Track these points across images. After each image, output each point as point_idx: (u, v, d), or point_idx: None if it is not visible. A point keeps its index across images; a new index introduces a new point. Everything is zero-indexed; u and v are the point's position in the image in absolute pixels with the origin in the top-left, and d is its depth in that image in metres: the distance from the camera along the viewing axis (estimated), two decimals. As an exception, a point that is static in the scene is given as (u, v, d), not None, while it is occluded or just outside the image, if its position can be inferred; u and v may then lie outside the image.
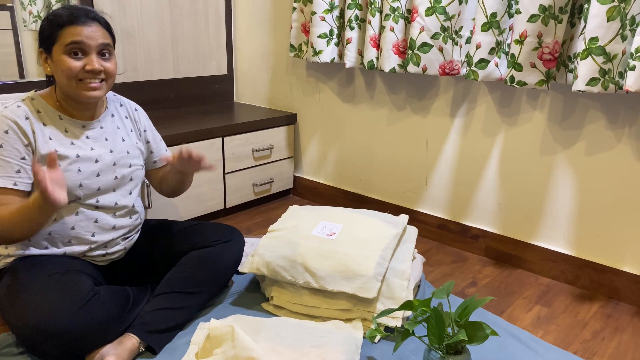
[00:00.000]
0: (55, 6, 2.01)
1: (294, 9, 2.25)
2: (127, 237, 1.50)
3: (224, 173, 2.26)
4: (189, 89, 2.56)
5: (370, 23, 1.99)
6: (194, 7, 2.48)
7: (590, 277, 1.78)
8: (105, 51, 1.32)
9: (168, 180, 1.60)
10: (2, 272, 1.34)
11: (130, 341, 1.29)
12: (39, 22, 1.99)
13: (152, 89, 2.40)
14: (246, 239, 2.00)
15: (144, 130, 1.57)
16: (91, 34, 1.28)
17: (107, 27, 1.35)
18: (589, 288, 1.79)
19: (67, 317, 1.18)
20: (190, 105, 2.59)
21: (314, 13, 2.13)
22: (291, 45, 2.31)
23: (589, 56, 1.49)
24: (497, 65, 1.76)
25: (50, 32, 1.28)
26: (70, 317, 1.18)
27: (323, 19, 2.13)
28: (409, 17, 1.92)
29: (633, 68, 1.41)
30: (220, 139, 2.19)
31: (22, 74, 1.99)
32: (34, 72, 2.01)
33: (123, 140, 1.47)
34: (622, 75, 1.49)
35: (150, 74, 2.38)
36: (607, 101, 1.65)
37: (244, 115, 2.43)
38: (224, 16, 2.62)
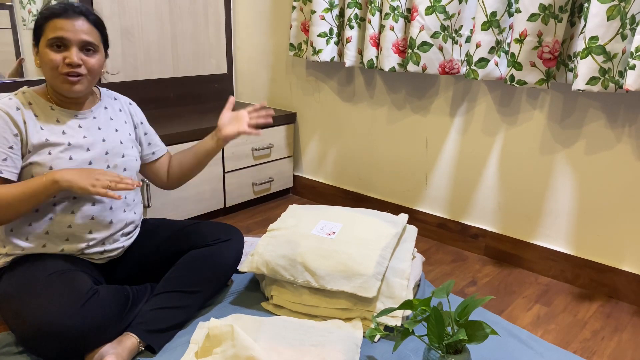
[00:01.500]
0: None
1: (294, 7, 2.25)
2: (126, 235, 1.49)
3: (224, 172, 2.26)
4: (189, 88, 2.56)
5: (370, 22, 1.99)
6: (194, 6, 2.47)
7: (590, 276, 1.78)
8: (89, 47, 1.33)
9: (183, 163, 1.63)
10: (1, 271, 1.34)
11: (130, 340, 1.29)
12: (38, 20, 1.99)
13: (151, 88, 2.39)
14: (246, 238, 2.00)
15: (141, 123, 1.58)
16: (74, 27, 1.29)
17: (96, 24, 1.35)
18: (588, 287, 1.79)
19: (66, 317, 1.17)
20: (190, 104, 2.59)
21: (313, 12, 2.13)
22: (291, 44, 2.31)
23: (589, 55, 1.49)
24: (497, 65, 1.76)
25: (39, 25, 1.31)
26: (70, 316, 1.18)
27: (323, 18, 2.13)
28: (408, 16, 1.92)
29: (633, 67, 1.41)
30: (220, 138, 2.19)
31: (21, 73, 1.98)
32: (34, 70, 2.01)
33: (116, 130, 1.48)
34: (622, 74, 1.49)
35: (150, 73, 2.38)
36: (607, 100, 1.65)
37: (244, 114, 2.43)
38: (224, 15, 2.62)
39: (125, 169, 1.48)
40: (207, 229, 1.57)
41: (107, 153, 1.42)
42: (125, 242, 1.49)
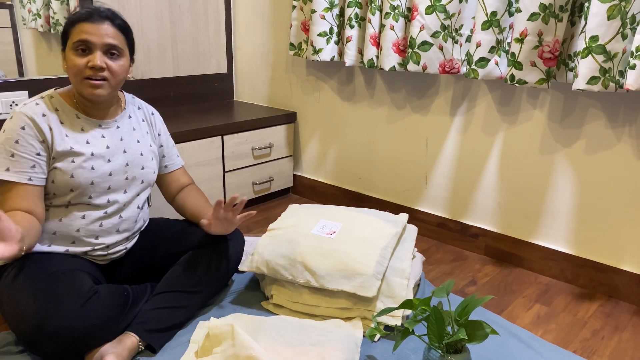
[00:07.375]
0: (54, 4, 2.01)
1: (294, 7, 2.25)
2: (130, 238, 1.50)
3: (224, 171, 2.26)
4: (189, 88, 2.56)
5: (370, 21, 1.98)
6: (194, 5, 2.47)
7: (590, 275, 1.78)
8: (113, 51, 1.32)
9: (186, 205, 1.59)
10: (3, 269, 1.34)
11: (130, 340, 1.29)
12: (38, 20, 1.99)
13: (151, 87, 2.39)
14: (246, 238, 2.00)
15: (159, 134, 1.58)
16: (98, 31, 1.29)
17: (121, 29, 1.34)
18: (588, 287, 1.79)
19: (67, 316, 1.17)
20: (190, 104, 2.59)
21: (313, 11, 2.13)
22: (291, 44, 2.31)
23: (590, 55, 1.49)
24: (497, 64, 1.76)
25: (65, 29, 1.31)
26: (71, 316, 1.18)
27: (323, 17, 2.12)
28: (409, 15, 1.92)
29: (633, 67, 1.41)
30: (220, 137, 2.19)
31: (21, 72, 1.98)
32: (34, 70, 2.01)
33: (138, 141, 1.48)
34: (622, 74, 1.49)
35: (150, 72, 2.38)
36: (607, 100, 1.65)
37: (244, 113, 2.43)
38: (224, 14, 2.62)
39: (142, 181, 1.48)
40: (208, 229, 1.57)
41: (127, 165, 1.43)
42: (128, 244, 1.50)
